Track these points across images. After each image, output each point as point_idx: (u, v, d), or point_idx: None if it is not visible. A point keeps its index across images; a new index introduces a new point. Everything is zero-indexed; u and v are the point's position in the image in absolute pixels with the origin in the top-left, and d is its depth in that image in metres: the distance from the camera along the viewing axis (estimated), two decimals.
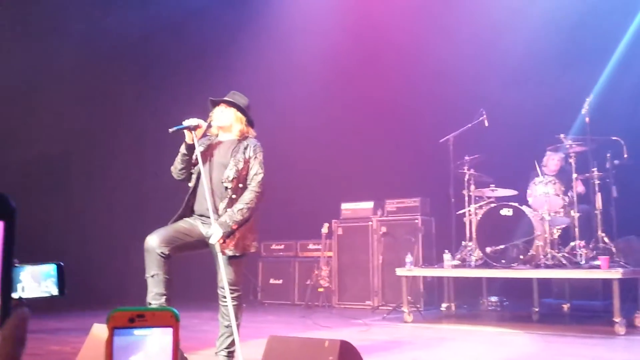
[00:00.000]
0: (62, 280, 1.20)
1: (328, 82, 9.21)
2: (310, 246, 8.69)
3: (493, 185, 6.70)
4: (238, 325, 3.66)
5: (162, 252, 3.55)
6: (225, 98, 3.96)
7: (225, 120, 3.94)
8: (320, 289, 8.10)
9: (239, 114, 3.95)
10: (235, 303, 3.68)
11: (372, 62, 9.01)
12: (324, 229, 8.22)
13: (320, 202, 8.71)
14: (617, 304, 5.28)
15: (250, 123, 4.00)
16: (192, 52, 9.13)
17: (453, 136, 7.14)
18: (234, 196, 3.78)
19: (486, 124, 6.93)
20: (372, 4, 8.95)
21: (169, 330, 0.80)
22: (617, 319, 5.27)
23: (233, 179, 3.78)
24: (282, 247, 8.97)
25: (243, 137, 3.95)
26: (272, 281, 8.86)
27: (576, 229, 6.10)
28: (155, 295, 3.51)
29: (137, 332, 0.79)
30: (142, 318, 0.80)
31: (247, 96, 4.06)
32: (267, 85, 9.09)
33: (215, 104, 3.99)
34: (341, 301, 8.12)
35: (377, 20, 8.88)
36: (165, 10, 8.58)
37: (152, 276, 3.53)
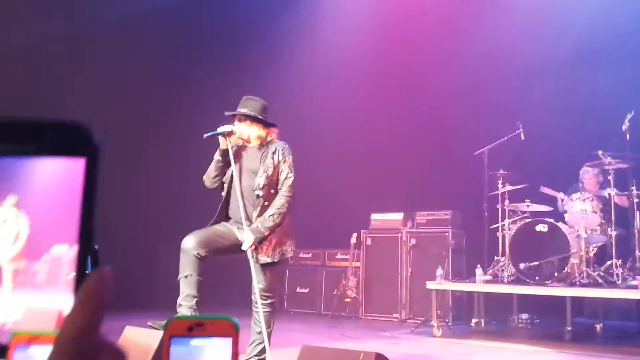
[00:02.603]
0: (95, 265, 1.14)
1: (362, 89, 9.14)
2: (338, 256, 8.61)
3: (528, 201, 6.57)
4: (269, 333, 3.62)
5: (198, 254, 3.54)
6: (238, 110, 3.88)
7: (242, 134, 3.89)
8: (347, 300, 8.02)
9: (254, 125, 3.88)
10: (267, 310, 3.65)
11: (408, 70, 8.90)
12: (353, 239, 8.15)
13: (349, 212, 8.62)
14: None
15: (268, 125, 3.94)
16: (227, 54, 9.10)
17: (488, 149, 7.02)
18: (266, 203, 3.76)
19: (522, 137, 6.81)
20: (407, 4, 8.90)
21: (229, 341, 0.75)
22: None
23: (264, 186, 3.76)
24: (309, 255, 8.91)
25: (266, 142, 3.91)
26: (298, 289, 8.80)
27: (613, 248, 5.94)
28: (187, 297, 3.50)
29: (194, 341, 0.75)
30: (201, 327, 0.75)
31: (266, 97, 4.01)
32: (301, 89, 9.06)
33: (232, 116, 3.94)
34: (367, 313, 8.02)
35: (412, 25, 8.79)
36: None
37: (186, 277, 3.53)
